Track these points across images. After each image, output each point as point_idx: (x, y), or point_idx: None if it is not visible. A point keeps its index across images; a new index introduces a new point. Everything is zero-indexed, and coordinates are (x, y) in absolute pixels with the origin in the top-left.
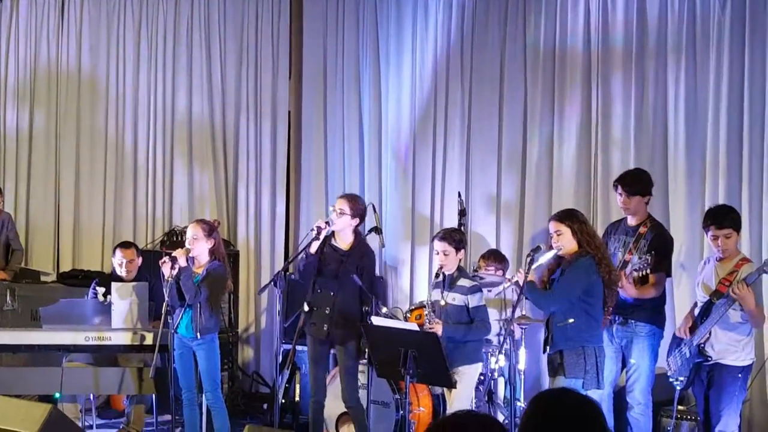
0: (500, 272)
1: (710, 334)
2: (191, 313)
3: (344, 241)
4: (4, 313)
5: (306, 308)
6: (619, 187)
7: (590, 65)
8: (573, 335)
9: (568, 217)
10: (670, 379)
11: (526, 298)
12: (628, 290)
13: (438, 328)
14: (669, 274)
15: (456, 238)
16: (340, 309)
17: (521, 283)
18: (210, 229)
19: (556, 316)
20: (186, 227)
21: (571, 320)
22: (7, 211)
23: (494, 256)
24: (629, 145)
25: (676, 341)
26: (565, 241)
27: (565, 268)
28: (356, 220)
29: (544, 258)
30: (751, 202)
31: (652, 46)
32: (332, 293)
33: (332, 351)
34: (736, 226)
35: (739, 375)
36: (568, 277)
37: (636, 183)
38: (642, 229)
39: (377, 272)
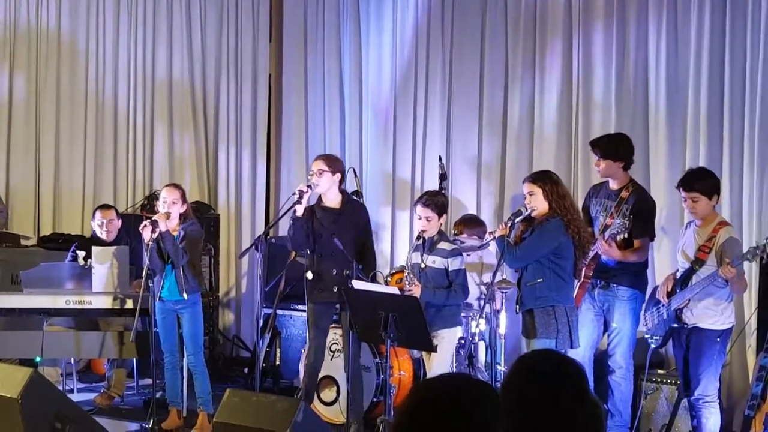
0: (475, 237)
1: (689, 300)
2: (174, 275)
3: (333, 200)
4: None
5: (309, 276)
6: (592, 148)
7: (571, 24)
8: (541, 294)
9: (540, 178)
10: (645, 336)
11: (501, 253)
12: (612, 253)
13: (416, 291)
14: (653, 238)
15: (438, 203)
16: (345, 268)
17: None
18: (183, 193)
19: (526, 275)
20: None
21: (539, 280)
22: None
23: (467, 222)
24: (610, 107)
25: (654, 300)
26: (537, 203)
27: (534, 228)
28: (338, 176)
29: (519, 218)
30: (731, 165)
31: (633, 4)
32: (333, 254)
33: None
34: (706, 191)
35: (718, 339)
36: (535, 237)
37: (608, 147)
38: (624, 193)
39: None
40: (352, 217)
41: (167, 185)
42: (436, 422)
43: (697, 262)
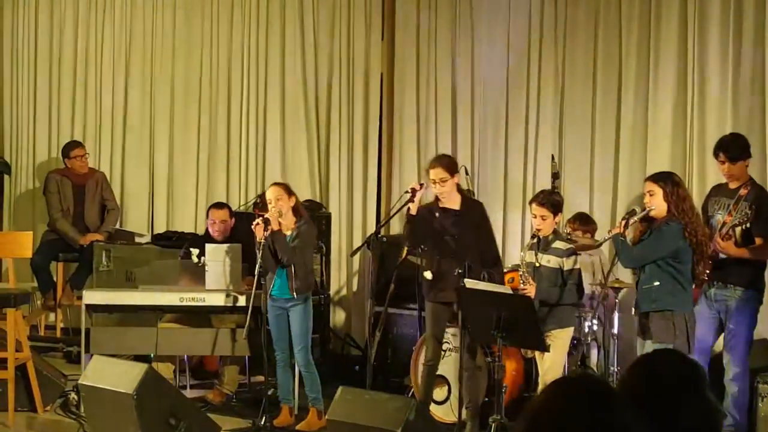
0: (588, 235)
1: None
2: (285, 272)
3: (453, 201)
4: (100, 274)
5: (429, 276)
6: (721, 155)
7: (686, 20)
8: (657, 298)
9: (662, 178)
10: None
11: (616, 252)
12: (728, 249)
13: (531, 290)
14: None
15: (555, 202)
16: (459, 267)
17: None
18: (288, 187)
19: (643, 278)
20: None
21: (656, 283)
22: (102, 171)
23: (581, 219)
24: (726, 106)
25: None
26: (657, 203)
27: (653, 231)
28: (456, 177)
29: (637, 217)
30: None
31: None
32: (454, 254)
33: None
34: None
35: None
36: (652, 239)
37: (737, 149)
38: (742, 191)
39: None
40: (473, 216)
41: (271, 185)
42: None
43: None
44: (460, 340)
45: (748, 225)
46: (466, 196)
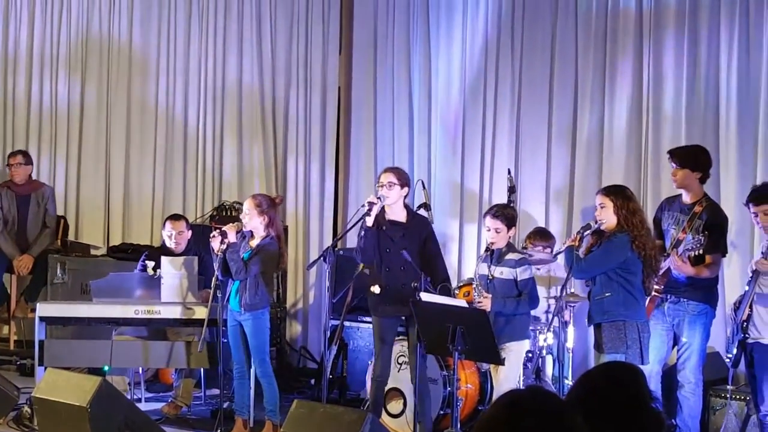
0: (547, 250)
1: (751, 311)
2: (238, 285)
3: (399, 214)
4: (55, 286)
5: (377, 290)
6: (670, 157)
7: (641, 36)
8: (609, 309)
9: (613, 192)
10: (725, 357)
11: (568, 265)
12: (683, 269)
13: (486, 303)
14: (724, 255)
15: (509, 215)
16: (413, 281)
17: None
18: (263, 204)
19: (594, 289)
20: (235, 202)
21: (607, 294)
22: (50, 186)
23: (540, 235)
24: (681, 120)
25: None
26: (607, 215)
27: (602, 243)
28: (405, 189)
29: (589, 231)
30: None
31: (705, 15)
32: (402, 268)
33: (400, 328)
34: None
35: None
36: (601, 251)
37: (687, 156)
38: (697, 208)
39: None
40: (419, 230)
41: (251, 195)
42: None
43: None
44: (410, 354)
45: (700, 251)
46: (412, 211)
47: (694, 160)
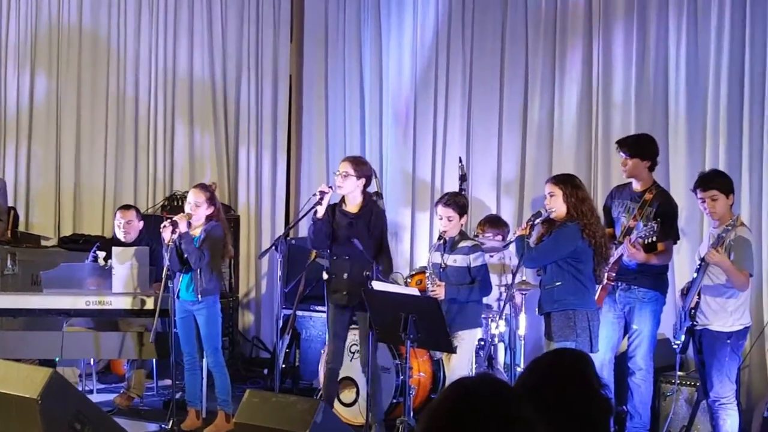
0: (499, 237)
1: (699, 298)
2: (191, 275)
3: (353, 203)
4: (5, 278)
5: (325, 276)
6: (619, 149)
7: (591, 25)
8: (559, 298)
9: (562, 180)
10: (672, 344)
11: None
12: (637, 256)
13: (440, 291)
14: (676, 241)
15: (460, 203)
16: (357, 273)
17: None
18: (211, 195)
19: (545, 278)
20: (186, 192)
21: (558, 283)
22: (1, 178)
23: (491, 222)
24: (630, 108)
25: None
26: (557, 204)
27: (552, 232)
28: (362, 181)
29: (539, 219)
30: (751, 165)
31: (653, 4)
32: (347, 257)
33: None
34: (723, 189)
35: (728, 341)
36: (551, 240)
37: (636, 146)
38: (647, 196)
39: None
40: (368, 221)
41: (195, 186)
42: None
43: (704, 260)
44: (362, 343)
45: (654, 239)
46: (368, 202)
47: (643, 149)
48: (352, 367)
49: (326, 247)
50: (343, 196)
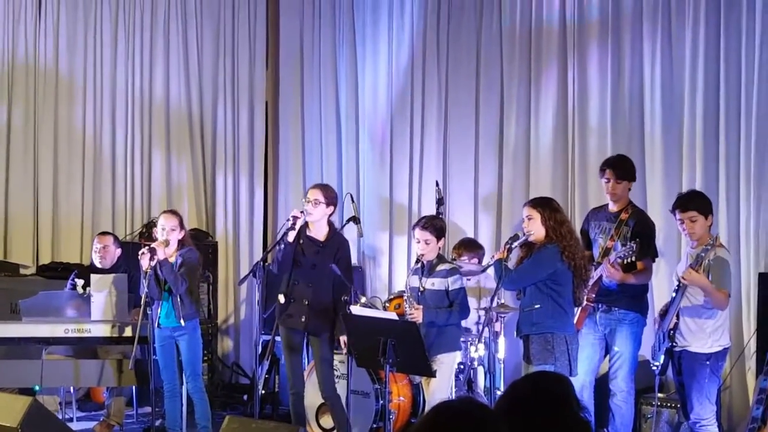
0: (475, 260)
1: (678, 319)
2: (171, 301)
3: (320, 231)
4: None
5: (281, 299)
6: (608, 171)
7: (566, 48)
8: (538, 321)
9: (539, 204)
10: (651, 362)
11: (498, 277)
12: (615, 276)
13: (418, 314)
14: (655, 258)
15: (437, 226)
16: (317, 300)
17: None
18: (181, 220)
19: (524, 301)
20: None
21: (537, 306)
22: None
23: (467, 246)
24: (606, 131)
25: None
26: (535, 227)
27: (532, 254)
28: (331, 209)
29: (518, 243)
30: (728, 185)
31: (627, 27)
32: (309, 284)
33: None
34: (702, 210)
35: (707, 362)
36: (531, 262)
37: (625, 169)
38: (623, 215)
39: (354, 262)
40: (335, 252)
41: (165, 212)
42: None
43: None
44: (347, 368)
45: (633, 258)
46: (335, 231)
47: (630, 171)
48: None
49: (288, 272)
50: (307, 223)
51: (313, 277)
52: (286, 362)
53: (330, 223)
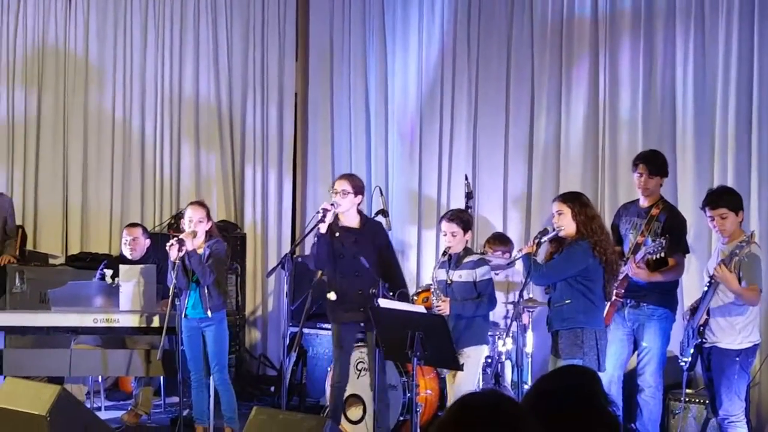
0: (506, 255)
1: (708, 316)
2: (198, 292)
3: (352, 220)
4: (13, 296)
5: (332, 297)
6: (641, 165)
7: (597, 44)
8: (569, 316)
9: (570, 198)
10: (679, 358)
11: (527, 271)
12: (640, 275)
13: (445, 306)
14: (686, 253)
15: (464, 218)
16: (369, 286)
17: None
18: (208, 211)
19: (554, 296)
20: None
21: (567, 301)
22: (9, 196)
23: (499, 240)
24: (637, 127)
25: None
26: (565, 222)
27: (563, 249)
28: (359, 198)
29: (547, 237)
30: (760, 181)
31: (660, 21)
32: (357, 274)
33: (359, 335)
34: (733, 207)
35: (737, 358)
36: (562, 257)
37: (658, 163)
38: (654, 211)
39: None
40: (373, 237)
41: (192, 203)
42: None
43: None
44: (369, 360)
45: (662, 255)
46: (366, 218)
47: (663, 166)
48: (358, 385)
49: (329, 266)
50: (338, 215)
51: (358, 265)
52: (334, 357)
53: (360, 211)
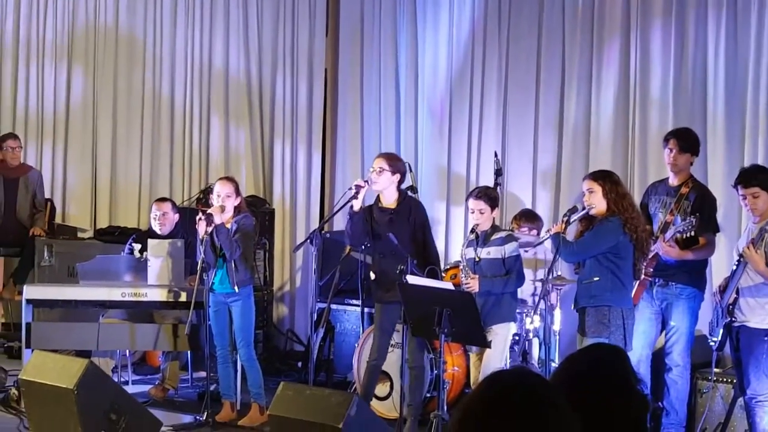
0: (534, 232)
1: (738, 295)
2: (225, 267)
3: (390, 199)
4: (42, 269)
5: (372, 276)
6: (672, 140)
7: (629, 22)
8: (596, 293)
9: (601, 176)
10: (709, 340)
11: (555, 248)
12: (670, 253)
13: (474, 284)
14: (716, 232)
15: (491, 195)
16: (400, 264)
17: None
18: (237, 186)
19: (583, 273)
20: None
21: (596, 278)
22: (38, 170)
23: (527, 216)
24: (668, 106)
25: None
26: (596, 200)
27: (594, 227)
28: (397, 176)
29: (577, 216)
30: None
31: (692, 1)
32: (394, 253)
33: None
34: (765, 186)
35: (765, 338)
36: (592, 234)
37: (689, 140)
38: (684, 189)
39: None
40: (408, 215)
41: (221, 179)
42: (512, 421)
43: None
44: (402, 337)
45: (692, 233)
46: (405, 196)
47: (695, 144)
48: (387, 361)
49: (363, 244)
50: (378, 195)
51: (395, 245)
52: (374, 337)
53: (400, 191)
